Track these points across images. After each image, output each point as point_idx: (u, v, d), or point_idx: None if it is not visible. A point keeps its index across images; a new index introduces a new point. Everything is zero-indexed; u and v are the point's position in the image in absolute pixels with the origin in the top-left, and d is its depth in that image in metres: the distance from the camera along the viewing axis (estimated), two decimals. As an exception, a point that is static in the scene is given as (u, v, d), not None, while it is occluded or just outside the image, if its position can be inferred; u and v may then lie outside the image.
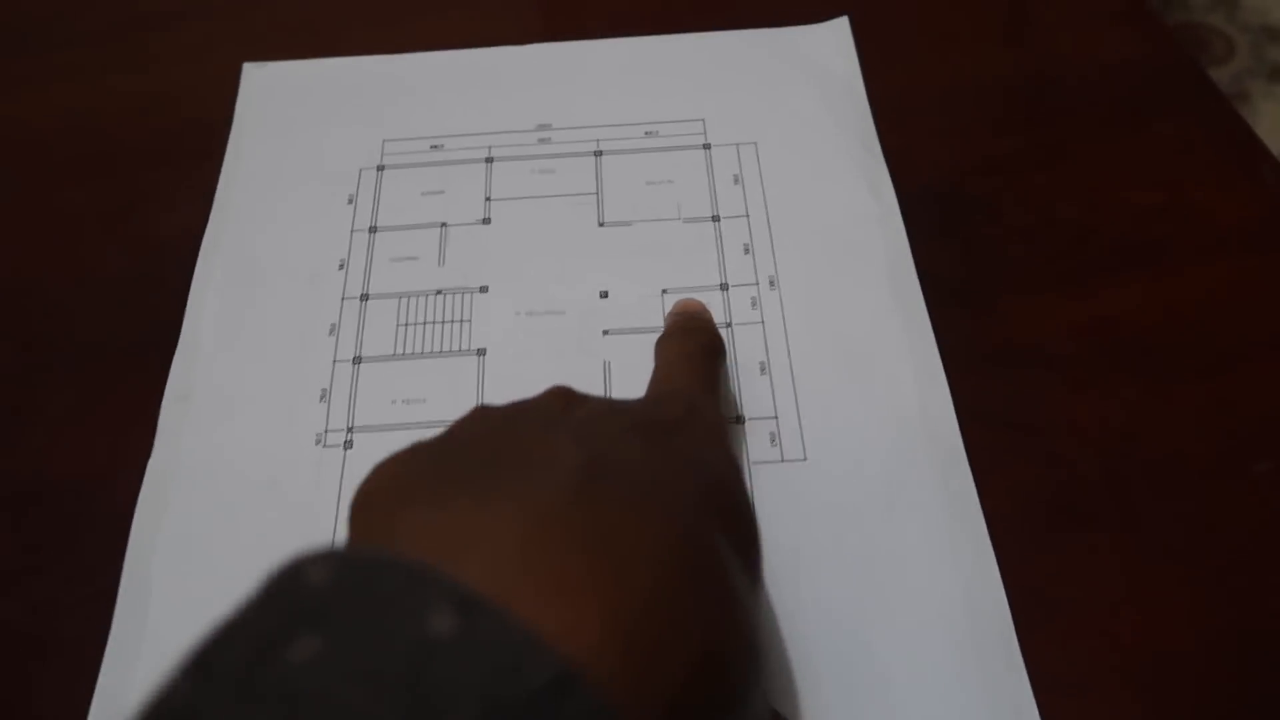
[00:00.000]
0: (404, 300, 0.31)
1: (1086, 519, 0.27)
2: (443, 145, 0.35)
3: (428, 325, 0.31)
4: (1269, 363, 0.30)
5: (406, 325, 0.31)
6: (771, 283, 0.31)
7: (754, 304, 0.31)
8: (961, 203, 0.33)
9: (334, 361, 0.30)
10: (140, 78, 0.38)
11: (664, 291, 0.31)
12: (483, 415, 0.22)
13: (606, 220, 0.33)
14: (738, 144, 0.35)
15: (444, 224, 0.33)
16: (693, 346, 0.27)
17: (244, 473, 0.28)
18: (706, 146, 0.35)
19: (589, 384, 0.29)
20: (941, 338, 0.30)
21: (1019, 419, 0.29)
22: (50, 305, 0.32)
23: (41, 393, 0.30)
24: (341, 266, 0.32)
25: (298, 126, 0.36)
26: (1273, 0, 1.10)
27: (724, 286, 0.31)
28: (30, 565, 0.27)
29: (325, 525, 0.27)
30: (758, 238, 0.32)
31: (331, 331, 0.31)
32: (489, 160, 0.35)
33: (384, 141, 0.35)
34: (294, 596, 0.14)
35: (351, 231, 0.33)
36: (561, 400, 0.23)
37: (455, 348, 0.30)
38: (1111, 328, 0.30)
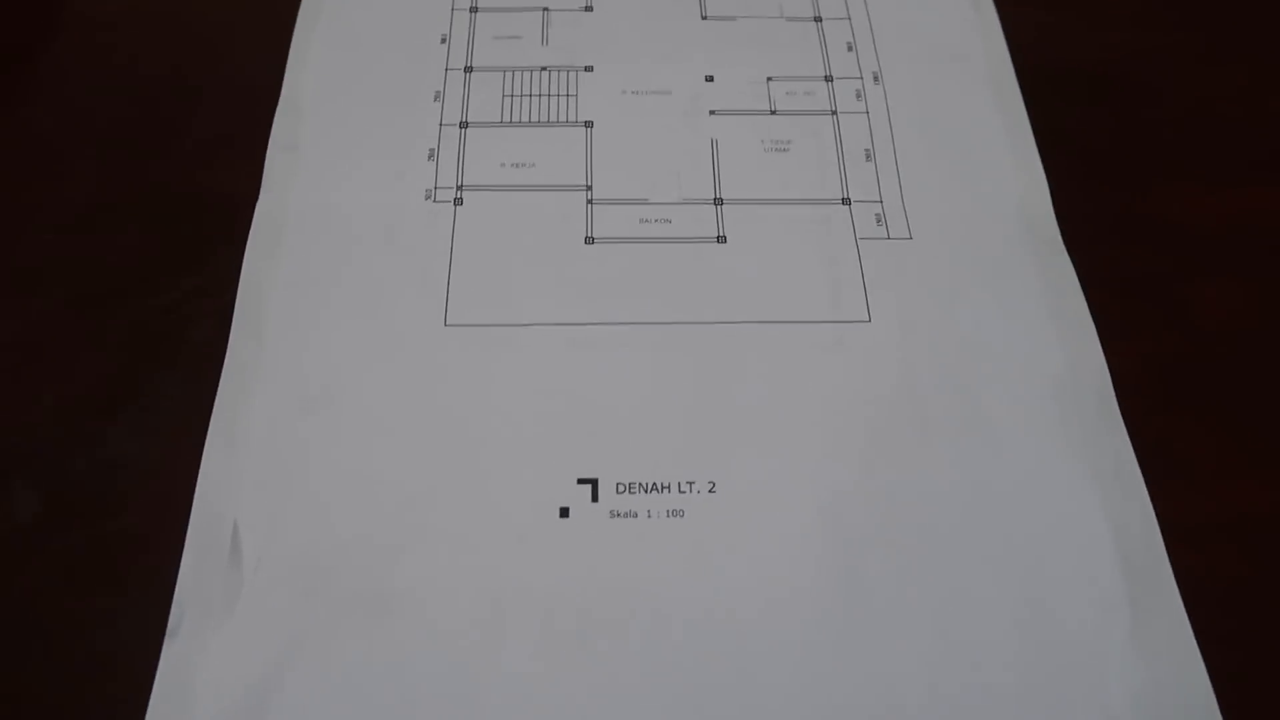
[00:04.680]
0: (508, 74, 0.31)
1: (1207, 389, 0.27)
2: (541, -63, 0.35)
3: (533, 98, 0.31)
4: None
5: (512, 96, 0.31)
6: (875, 78, 0.32)
7: (858, 96, 0.31)
8: (1123, 83, 0.33)
9: (440, 125, 0.30)
10: None
11: (769, 79, 0.31)
12: None
13: (709, 14, 0.33)
14: (836, -44, 0.35)
15: (546, 8, 0.33)
16: None
17: (356, 223, 0.28)
18: (805, -44, 0.35)
19: (697, 159, 0.29)
20: (1084, 207, 0.30)
21: (1152, 291, 0.29)
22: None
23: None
24: (443, 41, 0.32)
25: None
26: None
27: (828, 79, 0.32)
28: (168, 274, 0.27)
29: (439, 276, 0.27)
30: (860, 38, 0.32)
31: (436, 98, 0.30)
32: (589, -47, 0.34)
33: (481, -70, 0.35)
34: None
35: (452, 10, 0.33)
36: None
37: (562, 118, 0.30)
38: (1258, 223, 0.30)
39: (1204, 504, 0.25)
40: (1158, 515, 0.24)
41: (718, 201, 0.29)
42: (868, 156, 0.30)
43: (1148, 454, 0.25)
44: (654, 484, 0.24)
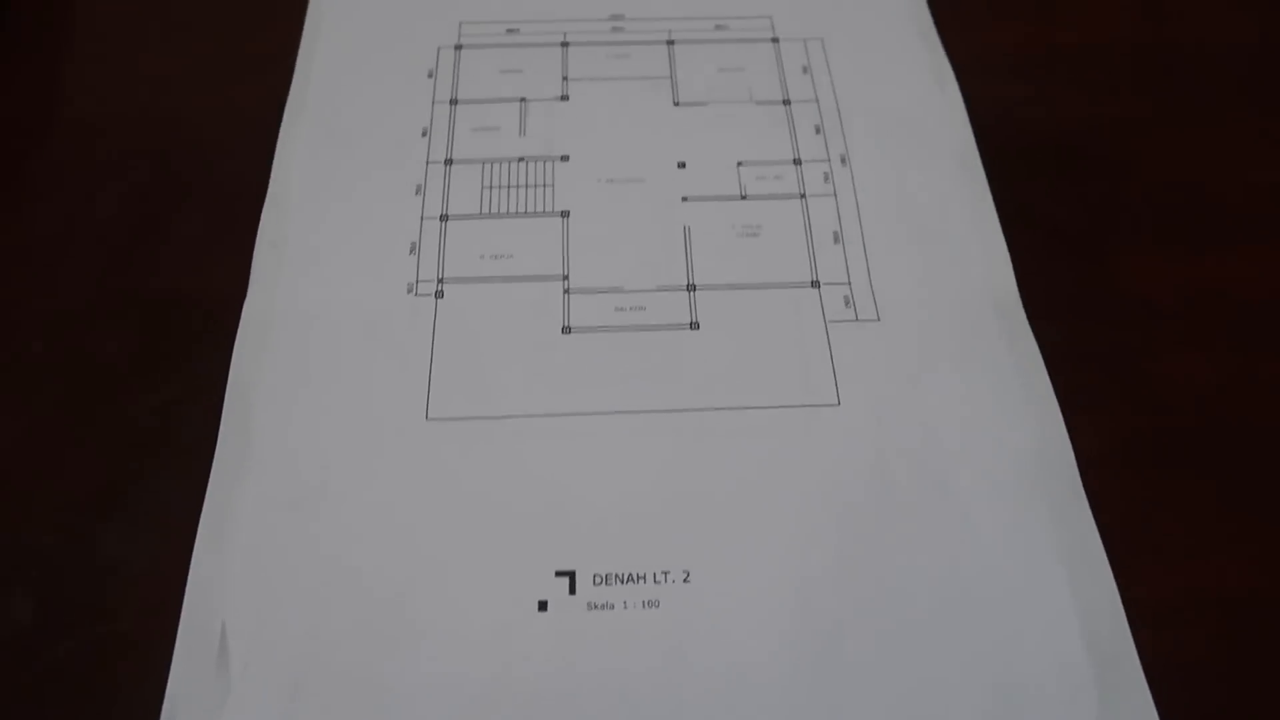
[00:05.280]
0: (487, 165, 0.32)
1: (1173, 464, 0.28)
2: (518, 29, 0.36)
3: (512, 189, 0.32)
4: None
5: (491, 188, 0.32)
6: (843, 160, 0.33)
7: (826, 179, 0.32)
8: (1083, 156, 0.34)
9: (422, 218, 0.31)
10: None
11: (739, 164, 0.32)
12: None
13: (681, 100, 0.34)
14: (805, 39, 0.36)
15: (523, 99, 0.34)
16: None
17: (341, 319, 0.29)
18: (775, 40, 0.36)
19: (670, 246, 0.30)
20: (1048, 282, 0.31)
21: (1118, 365, 0.30)
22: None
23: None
24: (424, 134, 0.33)
25: (374, 5, 0.36)
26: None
27: (797, 162, 0.33)
28: (153, 372, 0.28)
29: (421, 370, 0.28)
30: (828, 120, 0.34)
31: (418, 192, 0.32)
32: (564, 44, 0.35)
33: (460, 23, 0.36)
34: None
35: (433, 103, 0.34)
36: None
37: (539, 209, 0.31)
38: (1221, 294, 0.31)
39: (1171, 583, 0.26)
40: (1125, 595, 0.25)
41: (690, 288, 0.30)
42: (836, 239, 0.31)
43: (1115, 532, 0.26)
44: (630, 574, 0.25)
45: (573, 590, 0.25)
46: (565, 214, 0.31)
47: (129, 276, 0.30)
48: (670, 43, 0.36)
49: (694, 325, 0.29)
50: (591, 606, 0.24)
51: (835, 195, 0.32)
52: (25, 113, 0.34)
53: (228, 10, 0.37)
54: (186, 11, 0.37)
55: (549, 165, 0.32)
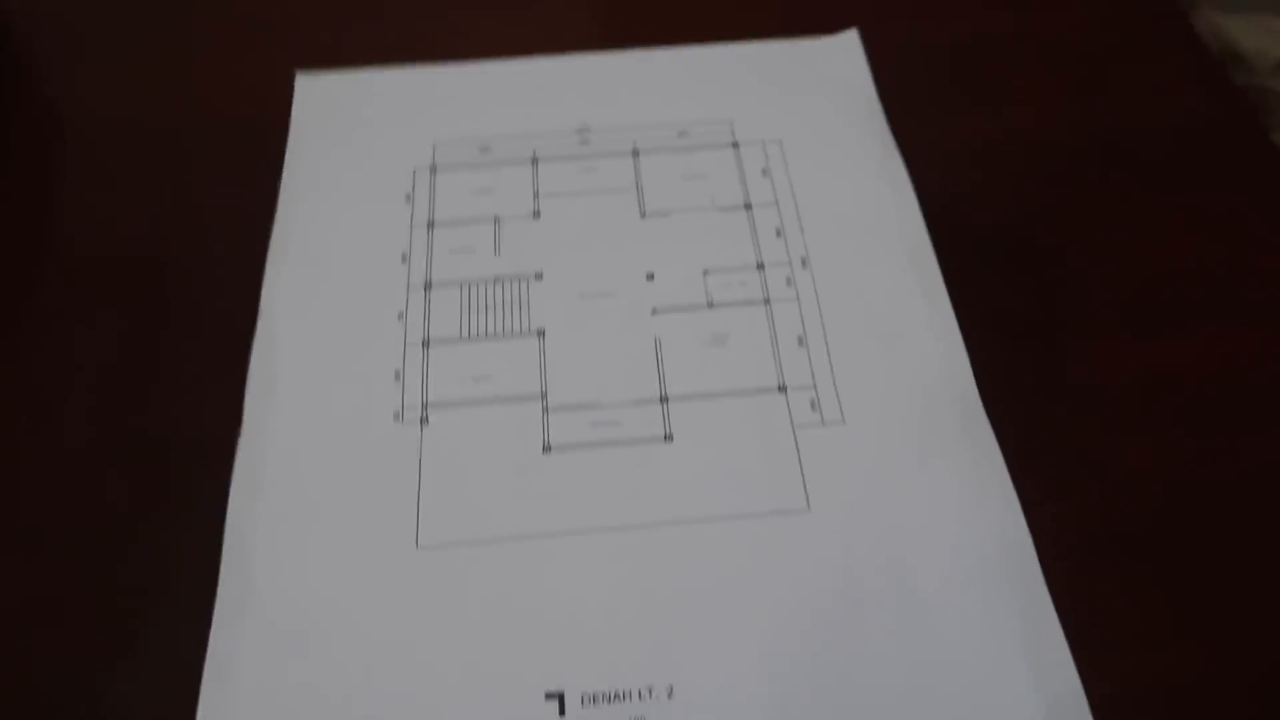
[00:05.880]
0: (465, 287, 0.34)
1: (1132, 553, 0.29)
2: (490, 148, 0.38)
3: (489, 310, 0.33)
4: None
5: (470, 310, 0.33)
6: (803, 262, 0.34)
7: (789, 282, 0.34)
8: (1030, 246, 0.36)
9: (404, 345, 0.32)
10: (202, 87, 0.41)
11: (705, 272, 0.34)
12: None
13: (647, 211, 0.36)
14: (764, 142, 0.38)
15: (497, 218, 0.36)
16: None
17: (330, 451, 0.30)
18: (735, 145, 0.38)
19: (642, 359, 0.32)
20: (1001, 372, 0.32)
21: (1073, 455, 0.31)
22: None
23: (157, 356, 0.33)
24: (404, 259, 0.35)
25: (351, 132, 0.38)
26: None
27: (760, 266, 0.34)
28: (152, 513, 0.30)
29: (409, 499, 0.29)
30: (788, 223, 0.35)
31: (400, 318, 0.33)
32: (535, 161, 0.37)
33: (434, 145, 0.38)
34: None
35: (411, 227, 0.35)
36: None
37: (516, 329, 0.33)
38: (1172, 377, 0.32)
39: (1132, 672, 0.27)
40: (1088, 684, 0.26)
41: (663, 399, 0.31)
42: (800, 342, 0.32)
43: (1076, 621, 0.27)
44: (616, 693, 0.26)
45: (562, 712, 0.26)
46: (541, 332, 0.33)
47: (125, 419, 0.32)
48: (635, 153, 0.37)
49: (668, 437, 0.31)
50: (581, 728, 0.26)
51: (798, 298, 0.33)
52: (19, 256, 0.36)
53: (212, 143, 0.39)
54: (171, 147, 0.39)
55: (524, 284, 0.34)
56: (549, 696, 0.26)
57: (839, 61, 0.40)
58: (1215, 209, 0.37)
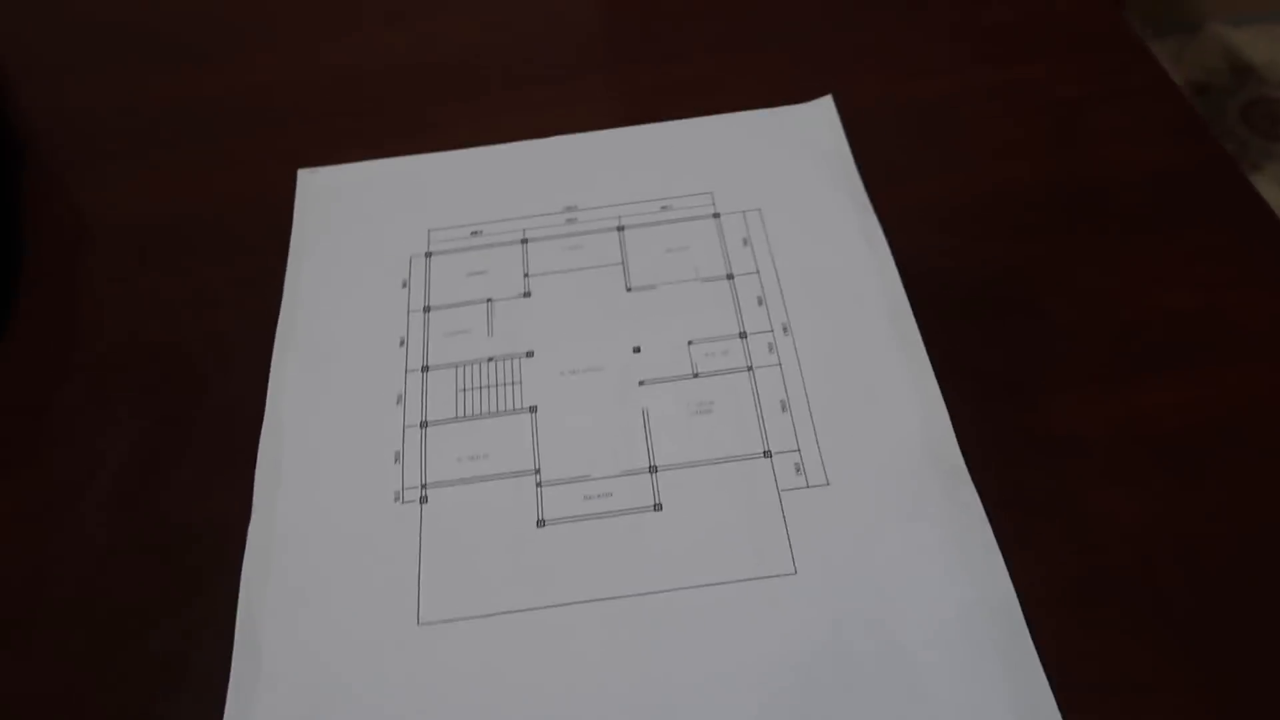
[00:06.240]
0: (460, 369, 0.35)
1: (1117, 602, 0.29)
2: (482, 231, 0.39)
3: (483, 389, 0.35)
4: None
5: (465, 390, 0.35)
6: (785, 329, 0.35)
7: (771, 349, 0.35)
8: (1006, 301, 0.37)
9: (404, 427, 0.34)
10: (206, 185, 0.43)
11: (689, 343, 0.35)
12: None
13: (633, 285, 0.37)
14: (744, 211, 0.39)
15: (489, 299, 0.37)
16: None
17: (335, 533, 0.32)
18: (716, 215, 0.39)
19: (630, 431, 0.33)
20: (981, 428, 0.33)
21: (1053, 508, 0.31)
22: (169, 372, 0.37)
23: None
24: (402, 344, 0.36)
25: (351, 223, 0.40)
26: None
27: (743, 335, 0.35)
28: (172, 602, 0.31)
29: (410, 577, 0.31)
30: (769, 290, 0.37)
31: (399, 401, 0.35)
32: (524, 241, 0.39)
33: (429, 231, 0.40)
34: None
35: (408, 312, 0.37)
36: None
37: (510, 407, 0.34)
38: (1149, 425, 0.33)
39: (1117, 721, 0.28)
40: (1073, 737, 0.27)
41: (652, 469, 0.32)
42: (783, 407, 0.34)
43: (1062, 676, 0.28)
44: (611, 764, 0.27)
45: (560, 785, 0.27)
46: (534, 409, 0.34)
47: (142, 511, 0.33)
48: (620, 229, 0.39)
49: (657, 507, 0.32)
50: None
51: (780, 364, 0.35)
52: (43, 353, 0.38)
53: (222, 239, 0.41)
54: (183, 246, 0.41)
55: (516, 363, 0.35)
56: (547, 769, 0.27)
57: (815, 128, 0.42)
58: (1189, 256, 0.38)
